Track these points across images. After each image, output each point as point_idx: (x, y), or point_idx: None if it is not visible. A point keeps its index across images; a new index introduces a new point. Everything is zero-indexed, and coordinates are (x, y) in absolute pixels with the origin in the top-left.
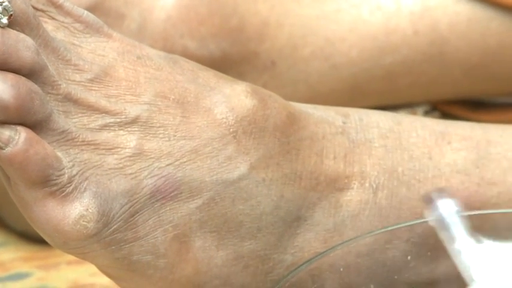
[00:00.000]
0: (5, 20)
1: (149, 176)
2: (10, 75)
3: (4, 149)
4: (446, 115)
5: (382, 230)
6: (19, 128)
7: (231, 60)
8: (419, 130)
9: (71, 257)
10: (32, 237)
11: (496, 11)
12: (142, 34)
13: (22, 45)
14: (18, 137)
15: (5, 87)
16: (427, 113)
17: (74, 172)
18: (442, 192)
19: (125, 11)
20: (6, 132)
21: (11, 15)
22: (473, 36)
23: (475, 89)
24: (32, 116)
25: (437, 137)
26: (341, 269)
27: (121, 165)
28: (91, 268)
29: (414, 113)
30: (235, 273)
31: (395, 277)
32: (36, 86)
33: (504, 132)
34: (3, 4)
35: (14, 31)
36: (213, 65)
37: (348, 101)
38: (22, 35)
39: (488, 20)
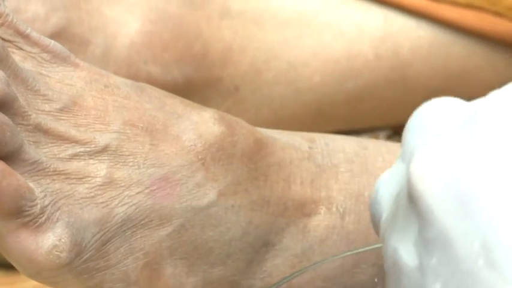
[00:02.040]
0: None
1: (120, 205)
2: None
3: None
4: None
5: (349, 253)
6: None
7: (195, 85)
8: (384, 154)
9: (36, 283)
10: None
11: (458, 35)
12: (106, 60)
13: None
14: None
15: None
16: (389, 137)
17: (46, 202)
18: None
19: (89, 37)
20: None
21: None
22: (435, 61)
23: None
24: (3, 147)
25: None
26: None
27: (92, 194)
28: None
29: (376, 137)
30: None
31: None
32: (6, 117)
33: None
34: None
35: None
36: (177, 91)
37: (311, 125)
38: None
39: (450, 44)
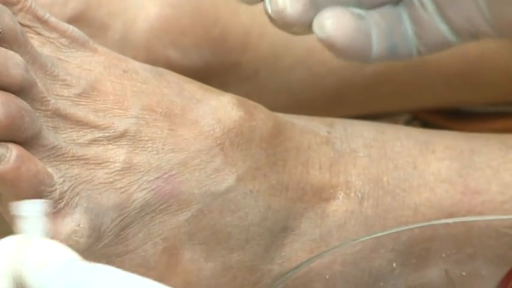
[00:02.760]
0: None
1: (139, 190)
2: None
3: None
4: (427, 124)
5: (367, 237)
6: (10, 145)
7: (214, 70)
8: (403, 139)
9: None
10: None
11: None
12: (125, 45)
13: (11, 62)
14: (10, 154)
15: None
16: (408, 123)
17: (65, 188)
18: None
19: (108, 21)
20: None
21: None
22: None
23: (456, 99)
24: (22, 133)
25: (421, 146)
26: (327, 277)
27: (111, 180)
28: None
29: (395, 122)
30: (223, 284)
31: (381, 284)
32: (25, 103)
33: (487, 142)
34: None
35: (3, 48)
36: (195, 75)
37: (329, 110)
38: (11, 52)
39: None
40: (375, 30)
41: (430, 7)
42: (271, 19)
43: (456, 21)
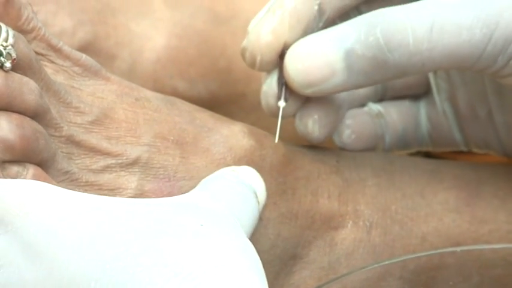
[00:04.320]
0: (8, 64)
1: None
2: (15, 115)
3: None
4: (430, 156)
5: (375, 265)
6: (27, 164)
7: (219, 101)
8: (411, 169)
9: None
10: None
11: None
12: (132, 75)
13: (26, 88)
14: (26, 173)
15: (11, 127)
16: (411, 154)
17: None
18: None
19: (115, 51)
20: (15, 168)
21: (14, 59)
22: None
23: None
24: (37, 155)
25: (429, 176)
26: None
27: None
28: None
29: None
30: None
31: None
32: (40, 126)
33: (494, 172)
34: (7, 48)
35: (18, 75)
36: (201, 106)
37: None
38: (26, 78)
39: None
40: (390, 131)
41: (450, 114)
42: (299, 133)
43: (473, 138)
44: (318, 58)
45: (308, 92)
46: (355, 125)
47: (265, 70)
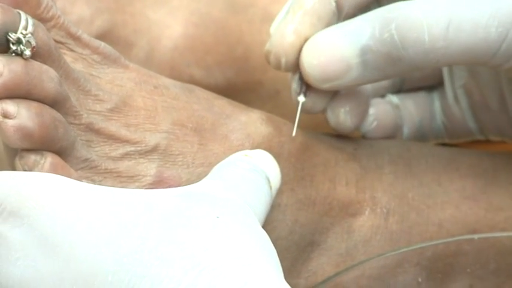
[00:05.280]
0: (28, 52)
1: None
2: (34, 104)
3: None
4: (447, 145)
5: (393, 253)
6: (45, 152)
7: (236, 89)
8: (428, 157)
9: None
10: None
11: None
12: (150, 63)
13: (45, 76)
14: (44, 162)
15: (30, 115)
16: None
17: None
18: None
19: (133, 39)
20: (32, 156)
21: (34, 47)
22: None
23: None
24: (56, 143)
25: (445, 164)
26: None
27: None
28: None
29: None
30: None
31: None
32: (59, 114)
33: (510, 159)
34: (27, 36)
35: (38, 62)
36: (218, 94)
37: None
38: (45, 66)
39: None
40: (407, 123)
41: (464, 103)
42: (331, 124)
43: (487, 126)
44: (333, 54)
45: (325, 86)
46: (378, 113)
47: (291, 70)
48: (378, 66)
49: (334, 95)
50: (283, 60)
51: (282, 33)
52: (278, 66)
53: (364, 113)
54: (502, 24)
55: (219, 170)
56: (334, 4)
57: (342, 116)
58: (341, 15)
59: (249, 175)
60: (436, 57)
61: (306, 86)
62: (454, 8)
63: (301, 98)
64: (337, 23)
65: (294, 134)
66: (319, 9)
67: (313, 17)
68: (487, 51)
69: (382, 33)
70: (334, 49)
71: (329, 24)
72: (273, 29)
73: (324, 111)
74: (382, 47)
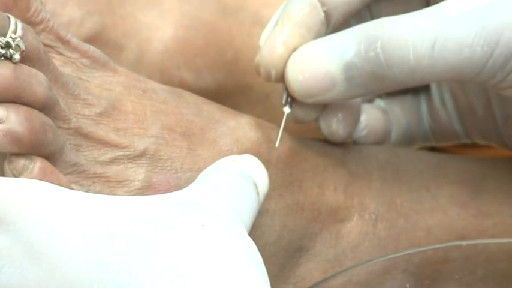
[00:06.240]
0: (17, 56)
1: None
2: (23, 108)
3: (18, 178)
4: (435, 150)
5: (381, 259)
6: (34, 157)
7: (226, 92)
8: (416, 162)
9: None
10: None
11: None
12: (140, 65)
13: (35, 80)
14: (33, 166)
15: (19, 120)
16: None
17: None
18: None
19: (123, 42)
20: (21, 161)
21: (23, 51)
22: None
23: None
24: (45, 148)
25: (434, 170)
26: None
27: None
28: None
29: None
30: None
31: None
32: (48, 119)
33: (498, 166)
34: (16, 40)
35: (27, 67)
36: (208, 97)
37: None
38: (34, 70)
39: None
40: (395, 127)
41: (450, 107)
42: (324, 133)
43: (472, 130)
44: (318, 70)
45: (309, 101)
46: (368, 119)
47: (281, 82)
48: (362, 82)
49: (325, 105)
50: (273, 73)
51: (272, 46)
52: (268, 78)
53: (356, 121)
54: (487, 43)
55: (205, 176)
56: (323, 14)
57: (335, 125)
58: (329, 24)
59: (235, 181)
60: (421, 75)
61: (292, 98)
62: (439, 26)
63: (287, 109)
64: (325, 32)
65: (277, 144)
66: (308, 20)
67: (302, 29)
68: (473, 69)
69: (367, 51)
70: (319, 65)
71: (318, 34)
72: (262, 41)
73: (316, 120)
74: (367, 64)
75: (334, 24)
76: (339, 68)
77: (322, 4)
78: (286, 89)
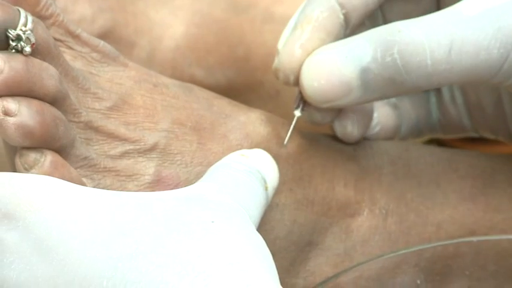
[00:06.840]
0: (28, 49)
1: None
2: (35, 102)
3: (29, 172)
4: (443, 144)
5: (392, 255)
6: (45, 150)
7: (237, 89)
8: (427, 157)
9: None
10: None
11: None
12: (151, 62)
13: (46, 73)
14: (44, 160)
15: (31, 113)
16: (424, 142)
17: None
18: None
19: (135, 39)
20: (32, 155)
21: (33, 44)
22: None
23: None
24: (56, 142)
25: (444, 165)
26: None
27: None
28: None
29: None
30: None
31: None
32: (60, 112)
33: (508, 161)
34: (26, 33)
35: (38, 60)
36: (219, 94)
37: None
38: (45, 64)
39: None
40: (405, 121)
41: (460, 102)
42: (338, 134)
43: (481, 125)
44: (334, 76)
45: (324, 106)
46: (380, 116)
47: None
48: (378, 88)
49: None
50: (292, 78)
51: (291, 51)
52: (287, 83)
53: (369, 121)
54: (504, 45)
55: (213, 172)
56: (342, 17)
57: (350, 127)
58: (348, 26)
59: (243, 177)
60: (438, 80)
61: (304, 102)
62: (455, 30)
63: (297, 113)
64: (344, 34)
65: (285, 143)
66: (327, 24)
67: (321, 32)
68: (489, 71)
69: (384, 57)
70: (335, 71)
71: (337, 37)
72: (281, 45)
73: (331, 122)
74: (384, 70)
75: (352, 26)
76: (355, 74)
77: (342, 7)
78: (300, 93)
